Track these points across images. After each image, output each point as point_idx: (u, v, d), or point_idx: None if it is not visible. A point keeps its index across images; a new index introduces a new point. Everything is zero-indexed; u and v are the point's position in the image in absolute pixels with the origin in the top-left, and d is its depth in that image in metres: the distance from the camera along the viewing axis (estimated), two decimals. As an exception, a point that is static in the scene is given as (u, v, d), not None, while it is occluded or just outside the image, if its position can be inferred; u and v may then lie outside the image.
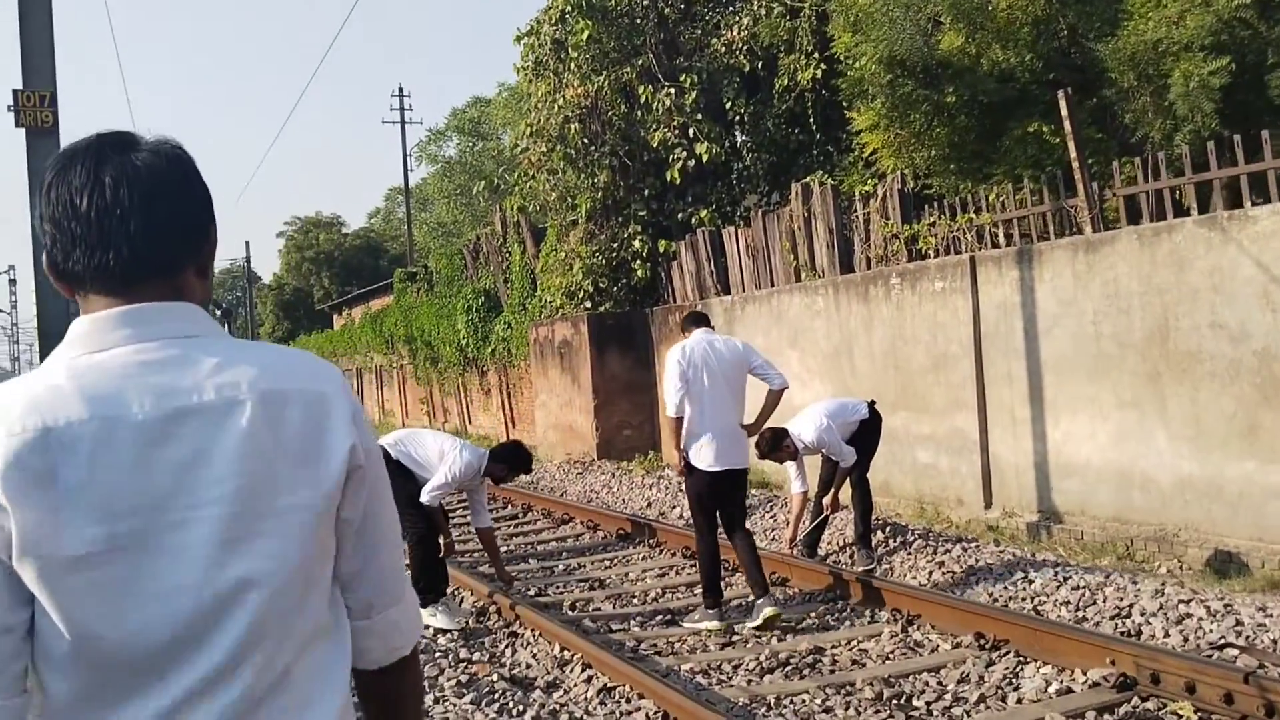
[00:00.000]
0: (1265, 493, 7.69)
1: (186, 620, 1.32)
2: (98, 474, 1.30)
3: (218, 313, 75.14)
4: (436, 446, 7.64)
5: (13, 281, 73.23)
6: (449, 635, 7.19)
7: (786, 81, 15.28)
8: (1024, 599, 7.11)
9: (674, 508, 11.90)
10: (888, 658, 6.24)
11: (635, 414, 16.20)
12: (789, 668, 6.13)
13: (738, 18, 16.22)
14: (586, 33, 16.36)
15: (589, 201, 16.88)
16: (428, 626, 7.36)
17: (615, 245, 16.84)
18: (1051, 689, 5.44)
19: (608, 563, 9.59)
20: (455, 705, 5.56)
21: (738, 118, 16.00)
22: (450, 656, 6.51)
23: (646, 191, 16.83)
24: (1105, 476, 9.00)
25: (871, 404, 8.83)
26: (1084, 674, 5.54)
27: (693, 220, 16.12)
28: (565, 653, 6.51)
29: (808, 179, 13.74)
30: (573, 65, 16.78)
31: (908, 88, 11.57)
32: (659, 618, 7.48)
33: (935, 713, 5.32)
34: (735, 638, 6.91)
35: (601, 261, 16.85)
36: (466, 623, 7.48)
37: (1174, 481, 8.44)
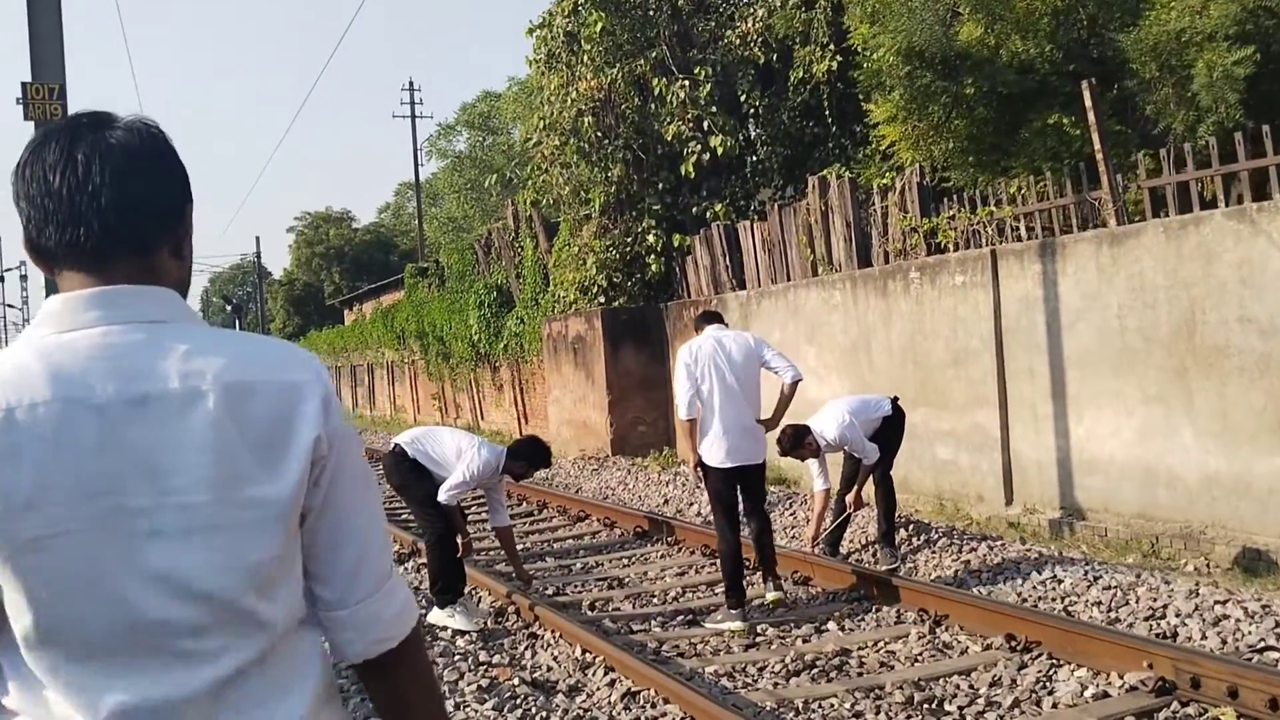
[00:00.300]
0: (1297, 490, 7.56)
1: (147, 607, 1.32)
2: (61, 455, 1.29)
3: (228, 308, 75.50)
4: (454, 445, 7.54)
5: (24, 277, 73.31)
6: (468, 637, 7.10)
7: (802, 74, 15.12)
8: (1054, 599, 6.98)
9: (691, 504, 11.79)
10: (916, 660, 6.13)
11: (650, 410, 16.10)
12: (815, 670, 6.02)
13: (752, 9, 16.08)
14: (600, 25, 16.23)
15: (602, 195, 16.77)
16: (445, 628, 7.28)
17: (629, 240, 16.74)
18: (1087, 693, 5.31)
19: (626, 561, 9.49)
20: (477, 711, 5.45)
21: (753, 110, 15.87)
22: (470, 660, 6.41)
23: (660, 185, 16.71)
24: (1129, 473, 8.88)
25: (895, 400, 8.70)
26: (1120, 677, 5.42)
27: (707, 214, 15.99)
28: (587, 655, 6.40)
29: (825, 172, 13.61)
30: (585, 58, 16.67)
31: (926, 79, 11.43)
32: (680, 618, 7.37)
33: (968, 718, 5.21)
34: (759, 638, 6.80)
35: (615, 256, 16.74)
36: (485, 624, 7.38)
37: (1201, 478, 8.31)
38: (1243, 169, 8.54)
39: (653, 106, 16.47)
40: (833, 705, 5.45)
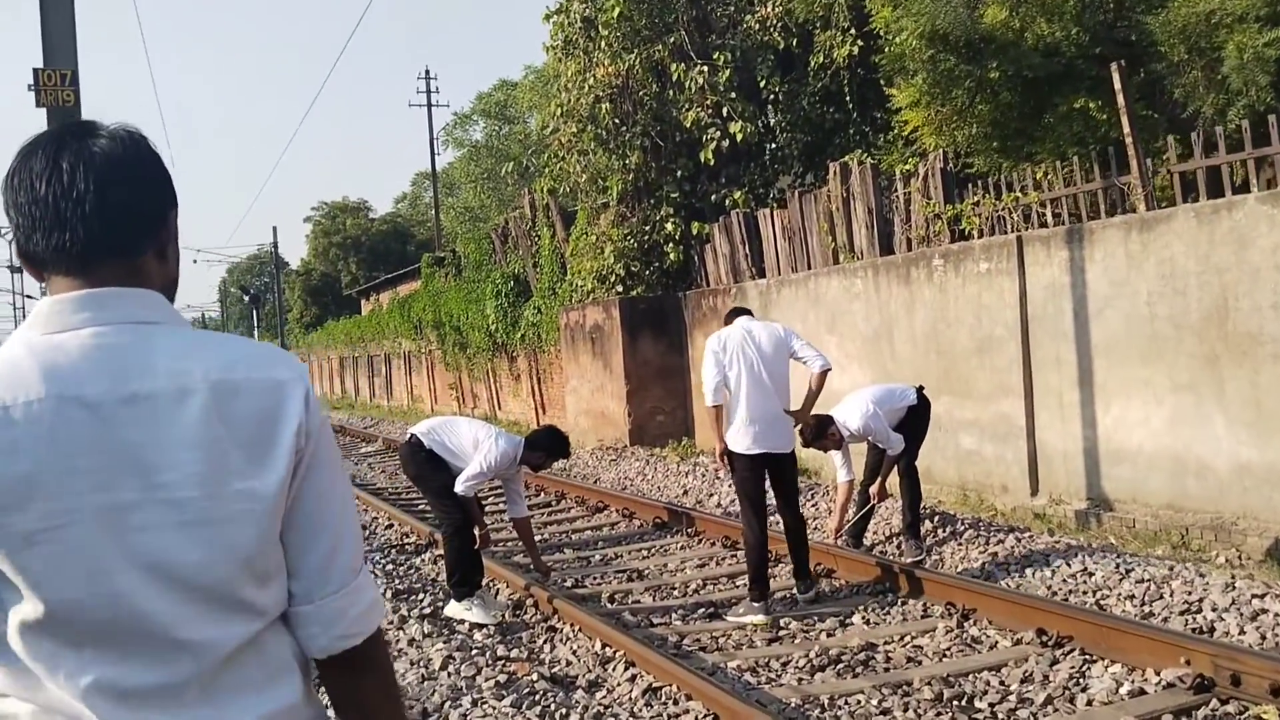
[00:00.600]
0: (1334, 480, 7.38)
1: (139, 598, 1.35)
2: (55, 451, 1.34)
3: (245, 299, 75.63)
4: (471, 435, 7.42)
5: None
6: (485, 630, 6.98)
7: (822, 59, 14.92)
8: (1085, 593, 6.82)
9: (711, 495, 11.66)
10: (945, 655, 5.98)
11: (668, 400, 15.96)
12: (841, 665, 5.88)
13: (772, -6, 15.86)
14: (617, 9, 16.04)
15: (620, 183, 16.62)
16: (463, 621, 7.17)
17: (647, 228, 16.58)
18: (1122, 690, 5.15)
19: (645, 552, 9.36)
20: (495, 708, 5.33)
21: (772, 96, 15.65)
22: (488, 654, 6.28)
23: (679, 173, 16.55)
24: (1159, 463, 8.71)
25: (920, 390, 8.54)
26: (1156, 674, 5.26)
27: (726, 202, 15.82)
28: (607, 649, 6.28)
29: (846, 158, 13.42)
30: (603, 43, 16.48)
31: (950, 63, 11.24)
32: (701, 611, 7.23)
33: (1000, 715, 5.06)
34: (782, 632, 6.66)
35: (633, 245, 16.59)
36: (503, 616, 7.27)
37: (1232, 468, 8.14)
38: (1276, 153, 8.34)
39: (671, 93, 16.29)
40: (859, 702, 5.31)
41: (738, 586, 7.86)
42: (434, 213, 46.02)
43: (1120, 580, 6.86)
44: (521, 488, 7.87)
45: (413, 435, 7.58)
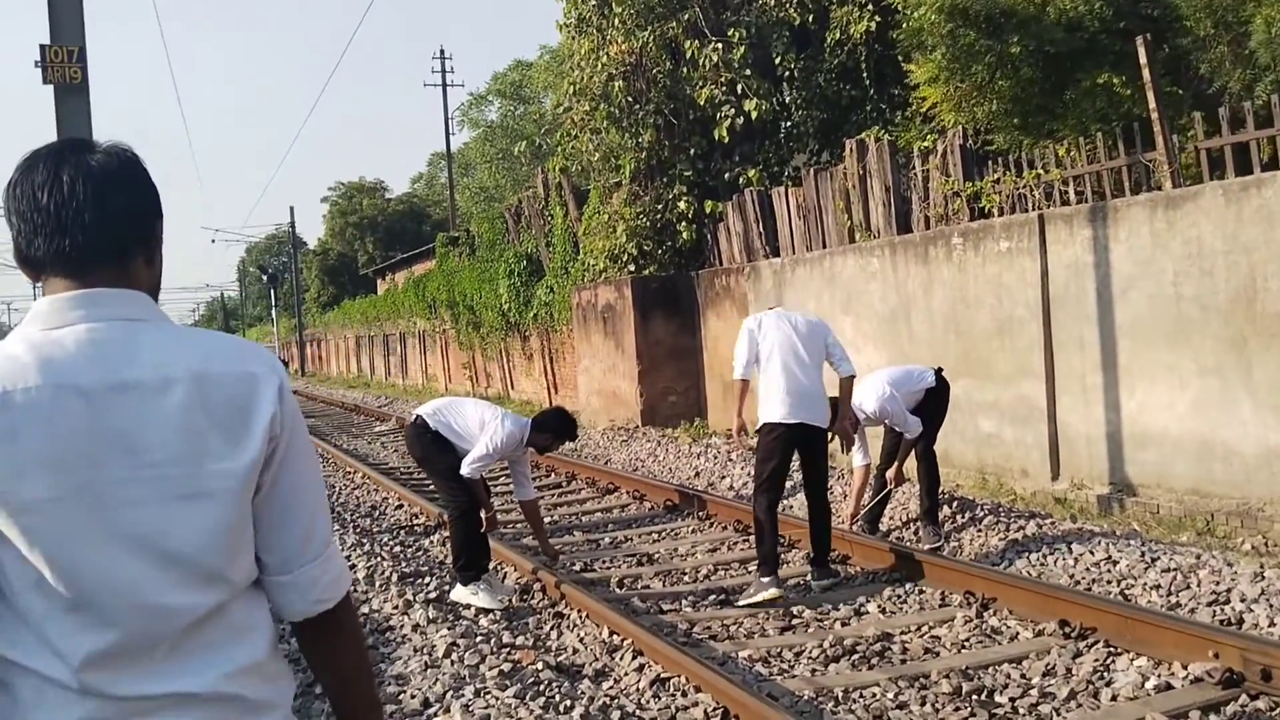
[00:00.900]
0: (1366, 466, 7.15)
1: (126, 565, 1.50)
2: (52, 432, 1.48)
3: (264, 278, 75.58)
4: (477, 416, 7.24)
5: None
6: (491, 616, 6.82)
7: (838, 35, 14.63)
8: (1109, 582, 6.60)
9: (723, 478, 11.48)
10: (963, 646, 5.78)
11: (680, 380, 15.78)
12: (856, 656, 5.69)
13: (787, -31, 15.56)
14: (631, -14, 15.79)
15: (633, 162, 16.39)
16: (469, 606, 7.01)
17: (660, 207, 16.37)
18: (1148, 685, 4.95)
19: (655, 536, 9.19)
20: (498, 698, 5.15)
21: (787, 73, 15.37)
22: (493, 641, 6.11)
23: (692, 151, 16.32)
24: (1184, 447, 8.49)
25: (939, 372, 8.32)
26: (1184, 668, 5.06)
27: (740, 180, 15.58)
28: (615, 637, 6.11)
29: (863, 135, 13.15)
30: (616, 20, 16.22)
31: (970, 38, 10.97)
32: (712, 597, 7.05)
33: (1021, 710, 4.86)
34: (795, 621, 6.48)
35: (646, 224, 16.38)
36: (510, 601, 7.11)
37: (1259, 452, 7.92)
38: (1308, 128, 8.09)
39: (685, 70, 16.04)
40: (875, 695, 5.13)
41: (749, 572, 7.67)
42: (449, 193, 45.77)
43: (1145, 569, 6.65)
44: (529, 470, 7.69)
45: (418, 416, 7.42)
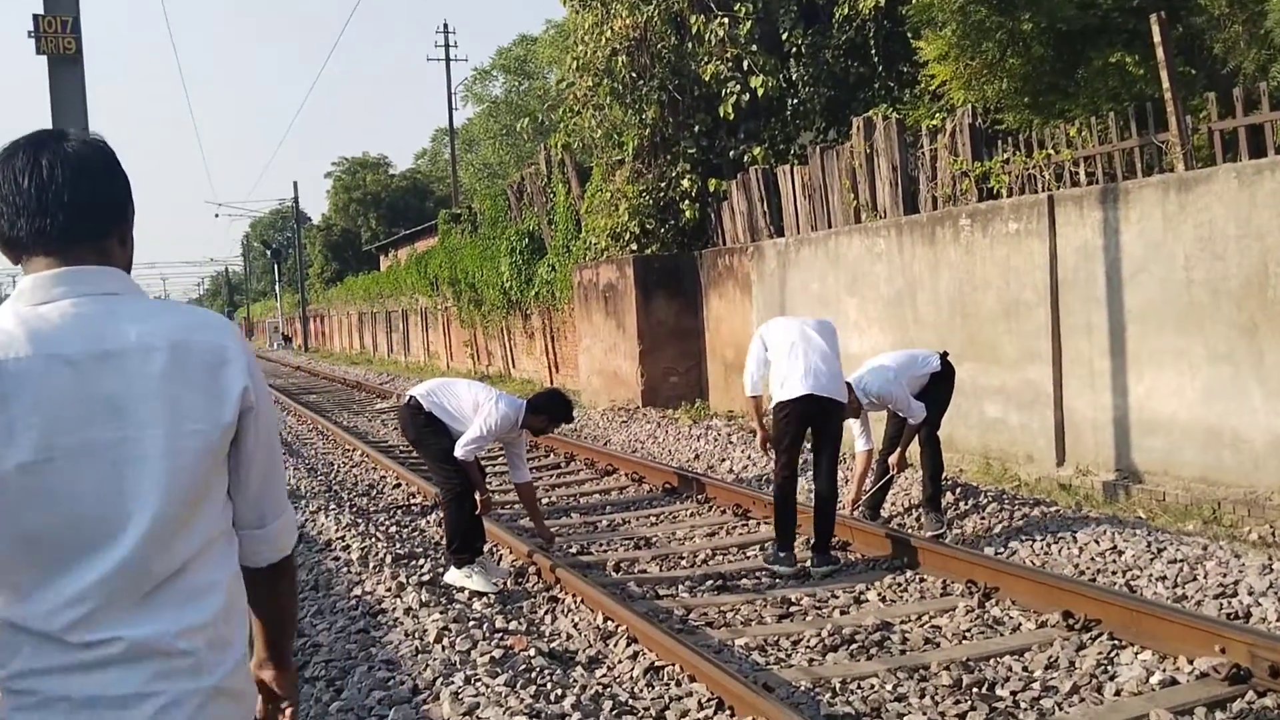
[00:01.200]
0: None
1: (114, 516, 1.64)
2: (42, 399, 1.62)
3: (268, 253, 75.27)
4: (471, 397, 7.10)
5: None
6: (485, 599, 6.70)
7: (847, 10, 14.43)
8: (1114, 573, 6.47)
9: (723, 460, 11.35)
10: (964, 637, 5.65)
11: (682, 361, 15.63)
12: (854, 645, 5.56)
13: (795, -57, 15.33)
14: (636, -42, 15.56)
15: (636, 139, 16.20)
16: (462, 589, 6.89)
17: (663, 185, 16.18)
18: (1153, 679, 4.82)
19: (654, 519, 9.07)
20: (488, 686, 5.02)
21: (795, 49, 15.17)
22: (485, 626, 5.98)
23: (697, 128, 16.12)
24: (1192, 434, 8.35)
25: (944, 356, 8.17)
26: (1189, 662, 4.93)
27: (745, 158, 15.40)
28: (609, 623, 5.98)
29: (870, 113, 12.96)
30: (621, -7, 16.01)
31: (980, 14, 10.81)
32: (709, 583, 6.93)
33: (1023, 704, 4.73)
34: (794, 608, 6.35)
35: (648, 202, 16.20)
36: (504, 584, 6.99)
37: (1269, 441, 7.79)
38: (1325, 109, 7.91)
39: (690, 45, 15.82)
40: (873, 686, 5.00)
41: (748, 557, 7.57)
42: (452, 169, 45.54)
43: (1151, 560, 6.51)
44: (524, 452, 7.56)
45: (411, 397, 7.28)
